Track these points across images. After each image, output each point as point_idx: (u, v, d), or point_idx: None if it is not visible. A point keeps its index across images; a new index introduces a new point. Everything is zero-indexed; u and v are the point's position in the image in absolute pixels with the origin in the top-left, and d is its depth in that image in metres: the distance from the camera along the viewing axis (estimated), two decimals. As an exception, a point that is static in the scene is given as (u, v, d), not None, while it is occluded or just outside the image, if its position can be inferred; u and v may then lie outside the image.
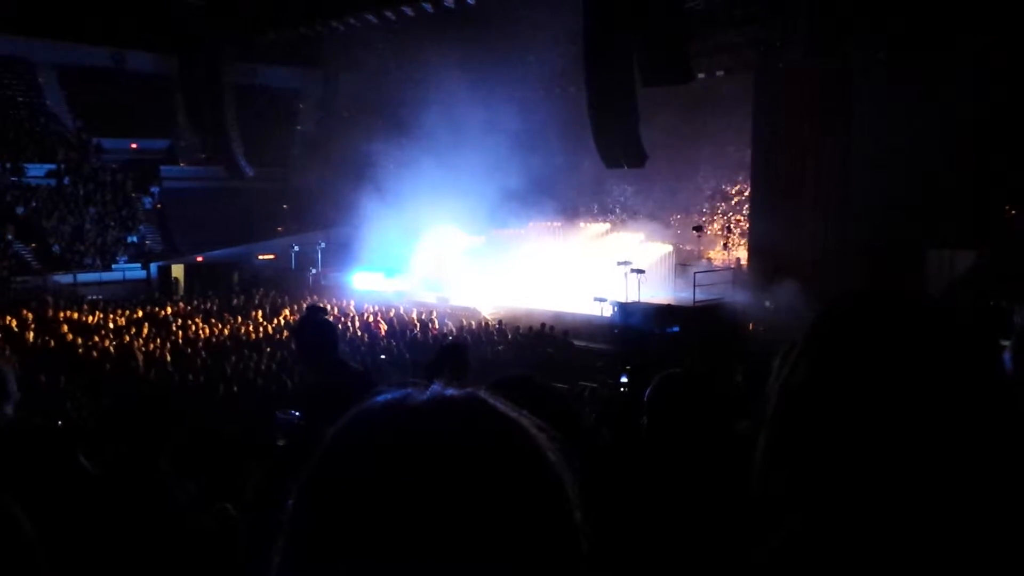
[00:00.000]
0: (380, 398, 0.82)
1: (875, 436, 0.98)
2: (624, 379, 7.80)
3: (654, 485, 2.36)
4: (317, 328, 4.16)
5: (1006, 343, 1.80)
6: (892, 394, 0.99)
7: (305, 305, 17.35)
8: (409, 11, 25.80)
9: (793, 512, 1.03)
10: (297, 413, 4.90)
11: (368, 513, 0.73)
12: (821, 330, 1.09)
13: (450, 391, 0.82)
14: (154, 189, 35.75)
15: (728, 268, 22.82)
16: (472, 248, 27.04)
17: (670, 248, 25.05)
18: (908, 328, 1.03)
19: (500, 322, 20.62)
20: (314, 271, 29.93)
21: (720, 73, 25.16)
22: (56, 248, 30.67)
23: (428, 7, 25.36)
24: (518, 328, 19.75)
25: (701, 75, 22.75)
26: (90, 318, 21.46)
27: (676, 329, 18.21)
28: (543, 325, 19.71)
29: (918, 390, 0.98)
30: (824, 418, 1.02)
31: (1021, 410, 1.01)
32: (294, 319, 21.62)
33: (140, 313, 22.59)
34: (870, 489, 0.98)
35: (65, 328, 19.75)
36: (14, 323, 20.09)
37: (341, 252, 30.33)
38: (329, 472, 0.78)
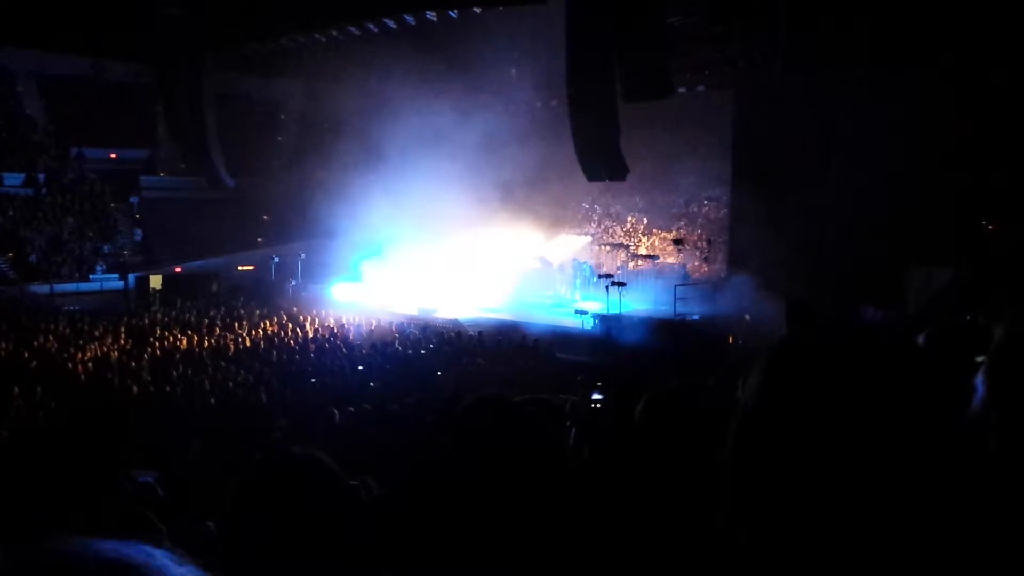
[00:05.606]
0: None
1: (812, 488, 0.96)
2: (596, 396, 7.74)
3: (632, 506, 2.32)
4: None
5: (982, 359, 1.78)
6: (837, 443, 0.95)
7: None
8: (391, 23, 25.80)
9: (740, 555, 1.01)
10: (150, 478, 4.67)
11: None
12: (775, 363, 1.05)
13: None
14: (133, 199, 35.51)
15: (708, 281, 22.89)
16: (452, 259, 26.95)
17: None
18: (862, 368, 0.99)
19: (481, 334, 20.54)
20: (294, 282, 29.78)
21: (700, 88, 25.28)
22: (33, 258, 30.36)
23: (410, 20, 25.38)
24: (499, 341, 19.69)
25: (681, 90, 22.84)
26: (66, 329, 21.20)
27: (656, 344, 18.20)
28: (524, 337, 19.66)
29: (865, 435, 0.95)
30: (762, 460, 1.00)
31: (982, 463, 0.99)
32: (273, 330, 21.49)
33: (117, 325, 22.33)
34: (802, 541, 0.96)
35: (40, 339, 19.52)
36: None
37: (321, 263, 30.19)
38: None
